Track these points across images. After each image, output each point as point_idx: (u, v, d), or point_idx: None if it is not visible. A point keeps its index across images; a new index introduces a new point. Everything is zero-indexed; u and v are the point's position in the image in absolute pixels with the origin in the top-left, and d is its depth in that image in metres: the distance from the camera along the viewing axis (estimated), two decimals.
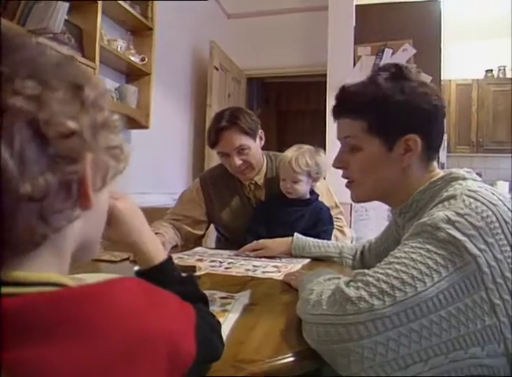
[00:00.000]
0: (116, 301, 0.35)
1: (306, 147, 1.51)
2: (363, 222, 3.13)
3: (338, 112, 0.85)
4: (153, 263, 0.59)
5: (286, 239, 1.37)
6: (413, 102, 0.77)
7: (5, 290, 0.33)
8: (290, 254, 1.35)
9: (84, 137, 0.34)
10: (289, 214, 1.49)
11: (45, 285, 0.35)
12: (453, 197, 0.66)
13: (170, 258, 0.61)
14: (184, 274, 0.62)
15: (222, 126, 1.50)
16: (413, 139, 0.77)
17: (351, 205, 3.06)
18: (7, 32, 0.34)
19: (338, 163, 0.87)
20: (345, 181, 0.88)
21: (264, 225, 1.52)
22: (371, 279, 0.60)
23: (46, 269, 0.36)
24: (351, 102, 0.82)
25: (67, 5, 1.60)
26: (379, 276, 0.60)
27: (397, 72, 0.80)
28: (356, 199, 0.89)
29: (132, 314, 0.36)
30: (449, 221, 0.61)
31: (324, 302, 0.62)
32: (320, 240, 1.35)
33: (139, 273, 0.60)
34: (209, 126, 1.60)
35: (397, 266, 0.60)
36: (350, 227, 2.89)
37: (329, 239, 1.47)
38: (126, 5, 2.18)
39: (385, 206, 3.31)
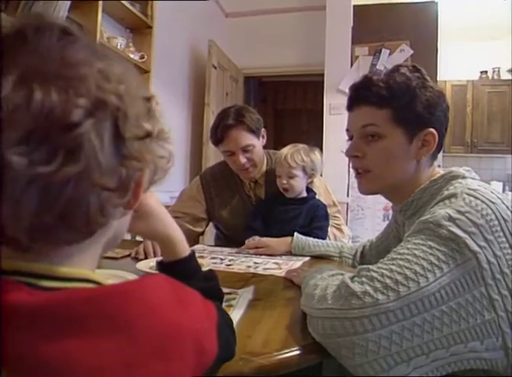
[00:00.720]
0: (147, 298, 0.36)
1: (301, 145, 1.54)
2: (359, 221, 3.16)
3: (359, 100, 0.85)
4: (180, 256, 0.60)
5: (286, 238, 1.38)
6: (435, 98, 0.80)
7: (46, 283, 0.35)
8: (290, 253, 1.37)
9: (148, 142, 0.38)
10: (286, 211, 1.51)
11: (81, 281, 0.37)
12: (454, 195, 0.68)
13: (193, 253, 0.62)
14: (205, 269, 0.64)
15: (229, 123, 1.50)
16: (432, 133, 0.80)
17: (347, 204, 3.09)
18: (93, 40, 0.37)
19: (354, 152, 0.86)
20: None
21: (262, 222, 1.53)
22: (375, 274, 0.62)
23: (82, 265, 0.38)
24: (377, 90, 0.81)
25: (68, 3, 1.60)
26: (383, 271, 0.62)
27: (416, 70, 0.83)
28: (366, 190, 0.89)
29: (162, 311, 0.37)
30: (450, 219, 0.63)
31: (329, 297, 0.64)
32: (319, 240, 1.37)
33: (162, 265, 0.61)
34: (213, 123, 1.60)
35: (401, 262, 0.62)
36: (346, 225, 2.92)
37: (324, 235, 1.49)
38: (126, 3, 2.18)
39: (381, 206, 3.31)
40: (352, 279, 0.64)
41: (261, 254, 1.37)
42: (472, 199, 0.66)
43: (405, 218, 0.86)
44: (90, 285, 0.38)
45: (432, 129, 0.80)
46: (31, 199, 0.31)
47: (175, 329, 0.36)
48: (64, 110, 0.31)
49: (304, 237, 1.37)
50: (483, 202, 0.65)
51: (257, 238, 1.43)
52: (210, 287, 0.57)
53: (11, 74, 0.30)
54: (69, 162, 0.31)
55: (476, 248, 0.61)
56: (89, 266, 0.40)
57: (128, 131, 0.35)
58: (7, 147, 0.29)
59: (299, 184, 1.50)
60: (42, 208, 0.31)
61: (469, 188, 0.69)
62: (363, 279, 0.62)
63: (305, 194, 1.54)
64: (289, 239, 1.38)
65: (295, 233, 1.38)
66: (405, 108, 0.79)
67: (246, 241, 1.43)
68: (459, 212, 0.64)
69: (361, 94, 0.84)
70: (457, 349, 0.61)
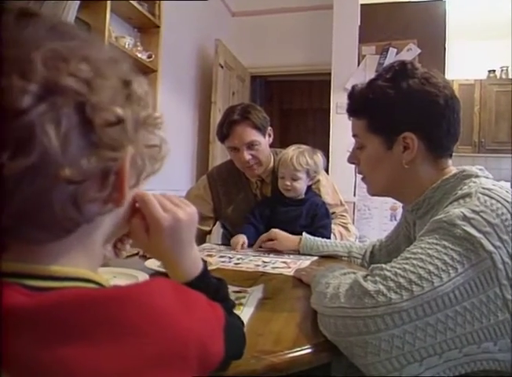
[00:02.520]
0: (153, 303, 0.35)
1: (304, 146, 1.55)
2: (365, 221, 3.15)
3: (348, 111, 0.90)
4: (182, 281, 0.51)
5: (295, 237, 1.38)
6: (408, 101, 0.78)
7: (41, 283, 0.33)
8: (298, 252, 1.37)
9: (127, 128, 0.34)
10: (286, 212, 1.51)
11: (78, 280, 0.36)
12: (468, 195, 0.68)
13: (204, 268, 0.53)
14: (216, 277, 0.56)
15: (234, 119, 1.52)
16: (409, 137, 0.79)
17: (354, 203, 3.08)
18: (64, 20, 0.35)
19: (351, 159, 0.92)
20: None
21: (260, 219, 1.54)
22: (388, 273, 0.61)
23: (76, 265, 0.36)
24: (355, 102, 0.87)
25: (77, 3, 1.61)
26: (397, 270, 0.61)
27: (400, 70, 0.81)
28: (369, 193, 0.93)
29: (167, 316, 0.35)
30: (465, 218, 0.63)
31: (342, 296, 0.63)
32: (328, 240, 1.37)
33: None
34: (220, 119, 1.61)
35: (414, 261, 0.61)
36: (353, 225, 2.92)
37: (328, 233, 1.49)
38: (134, 3, 2.19)
39: (388, 206, 3.30)
40: (365, 278, 0.64)
41: (269, 252, 1.37)
42: (487, 198, 0.65)
43: (416, 218, 0.86)
44: (90, 285, 0.36)
45: (407, 133, 0.78)
46: None
47: (179, 334, 0.35)
48: (8, 96, 0.27)
49: (312, 237, 1.37)
50: (498, 201, 0.64)
51: (241, 240, 1.43)
52: (219, 299, 0.50)
53: None
54: (19, 153, 0.28)
55: (491, 248, 0.60)
56: (87, 265, 0.37)
57: (97, 117, 0.31)
58: None
59: (302, 187, 1.50)
60: None
61: (483, 188, 0.68)
62: (377, 278, 0.62)
63: (303, 195, 1.54)
64: (297, 238, 1.38)
65: (303, 233, 1.38)
66: (375, 118, 0.83)
67: (232, 240, 1.45)
68: (474, 211, 0.63)
69: (347, 105, 0.89)
70: (470, 349, 0.60)
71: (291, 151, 1.50)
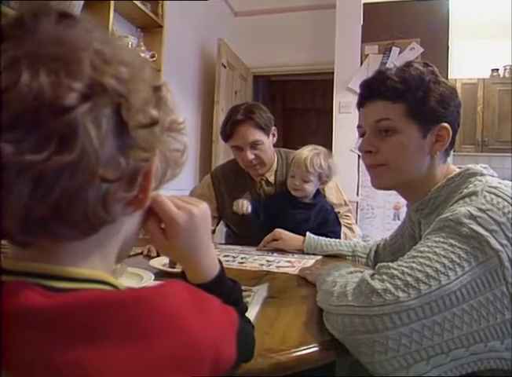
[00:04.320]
0: (167, 306, 0.35)
1: (321, 148, 1.52)
2: (368, 220, 3.15)
3: (372, 95, 0.84)
4: (201, 281, 0.51)
5: (299, 236, 1.38)
6: (448, 93, 0.79)
7: (59, 284, 0.33)
8: (302, 251, 1.37)
9: (157, 130, 0.35)
10: (293, 215, 1.50)
11: (95, 282, 0.36)
12: (474, 193, 0.68)
13: (221, 268, 0.53)
14: (231, 278, 0.56)
15: (238, 119, 1.52)
16: (446, 128, 0.79)
17: (357, 203, 3.08)
18: (99, 25, 0.35)
19: (368, 147, 0.84)
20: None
21: (269, 221, 1.52)
22: (395, 272, 0.61)
23: (93, 267, 0.37)
24: (393, 84, 0.80)
25: (81, 2, 1.61)
26: (404, 269, 0.61)
27: (428, 66, 0.83)
28: (380, 185, 0.87)
29: (182, 320, 0.35)
30: (471, 217, 0.63)
31: (349, 294, 0.63)
32: (332, 239, 1.36)
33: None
34: (224, 119, 1.61)
35: (421, 260, 0.61)
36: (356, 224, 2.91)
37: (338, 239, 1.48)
38: (137, 3, 2.19)
39: (391, 205, 3.29)
40: (372, 276, 0.63)
41: (273, 251, 1.37)
42: (493, 196, 0.65)
43: (421, 217, 0.86)
44: (106, 287, 0.36)
45: (446, 124, 0.79)
46: (22, 189, 0.29)
47: (193, 338, 0.35)
48: (55, 93, 0.28)
49: (316, 237, 1.37)
50: (504, 200, 0.64)
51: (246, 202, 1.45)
52: (232, 302, 0.50)
53: (3, 57, 0.29)
54: (62, 150, 0.29)
55: (498, 246, 0.60)
56: (104, 268, 0.38)
57: (132, 118, 0.32)
58: None
59: (311, 189, 1.48)
60: (33, 199, 0.30)
61: (489, 186, 0.68)
62: (384, 276, 0.62)
63: (311, 198, 1.52)
64: (301, 237, 1.38)
65: (307, 233, 1.38)
66: (419, 103, 0.79)
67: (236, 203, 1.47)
68: (480, 210, 0.63)
69: (375, 89, 0.83)
70: (477, 348, 0.60)
71: (307, 151, 1.47)
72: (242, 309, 0.55)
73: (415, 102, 0.79)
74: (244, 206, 1.43)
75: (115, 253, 0.40)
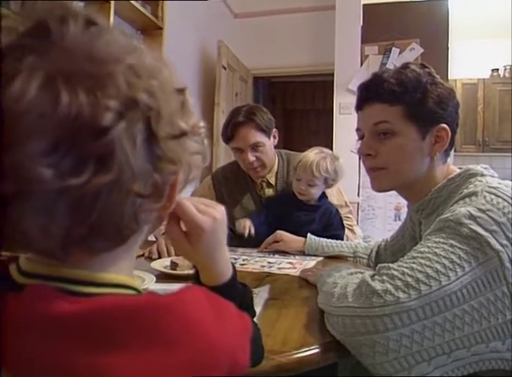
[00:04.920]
0: (188, 313, 0.34)
1: (327, 151, 1.50)
2: (369, 221, 3.15)
3: (370, 98, 0.84)
4: (216, 283, 0.51)
5: (300, 238, 1.38)
6: (446, 94, 0.80)
7: (83, 289, 0.34)
8: (303, 253, 1.36)
9: (184, 142, 0.35)
10: (297, 217, 1.49)
11: (118, 287, 0.36)
12: (474, 194, 0.68)
13: (234, 271, 0.54)
14: (241, 282, 0.56)
15: (239, 121, 1.52)
16: (445, 129, 0.79)
17: (358, 204, 3.08)
18: (120, 28, 0.35)
19: (367, 150, 0.85)
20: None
21: (271, 222, 1.51)
22: (395, 272, 0.61)
23: (120, 271, 0.37)
24: (390, 86, 0.81)
25: (81, 4, 1.62)
26: (404, 269, 0.61)
27: (425, 67, 0.83)
28: (380, 188, 0.88)
29: (201, 326, 0.35)
30: (471, 217, 0.63)
31: (350, 295, 0.64)
32: (333, 240, 1.36)
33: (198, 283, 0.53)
34: (225, 120, 1.61)
35: (421, 260, 0.61)
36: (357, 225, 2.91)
37: None
38: (137, 5, 2.20)
39: (392, 206, 3.27)
40: (372, 277, 0.64)
41: (274, 252, 1.37)
42: (493, 197, 0.65)
43: (422, 217, 0.86)
44: (129, 291, 0.37)
45: (444, 125, 0.79)
46: (62, 212, 0.29)
47: (213, 345, 0.35)
48: (93, 114, 0.28)
49: (317, 238, 1.36)
50: (504, 200, 0.64)
51: (248, 222, 1.42)
52: (243, 305, 0.50)
53: (36, 75, 0.27)
54: (101, 171, 0.28)
55: (498, 247, 0.60)
56: (128, 271, 0.38)
57: (161, 130, 0.32)
58: (34, 158, 0.27)
59: (317, 193, 1.47)
60: (74, 221, 0.30)
61: (490, 186, 0.68)
62: (384, 277, 0.62)
63: (316, 200, 1.51)
64: (302, 239, 1.37)
65: (308, 234, 1.37)
66: (417, 104, 0.79)
67: (238, 223, 1.43)
68: (480, 210, 0.63)
69: (372, 91, 0.83)
70: (478, 348, 0.60)
71: (313, 154, 1.45)
72: (253, 313, 0.55)
73: (412, 104, 0.79)
74: (246, 227, 1.41)
75: (136, 253, 0.41)
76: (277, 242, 1.39)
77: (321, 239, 1.36)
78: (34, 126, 0.27)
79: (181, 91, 0.36)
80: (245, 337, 0.42)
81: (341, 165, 1.49)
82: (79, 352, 0.30)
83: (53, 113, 0.27)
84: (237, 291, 0.53)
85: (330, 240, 1.35)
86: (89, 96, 0.28)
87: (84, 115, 0.27)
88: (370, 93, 0.84)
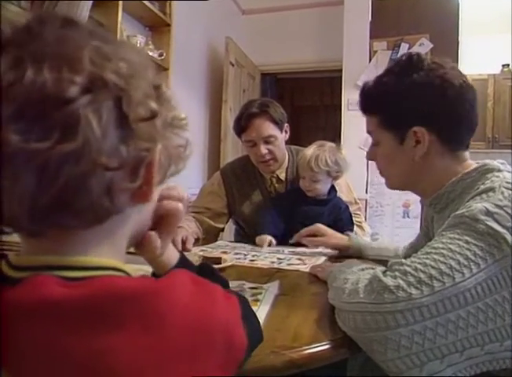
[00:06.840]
0: (178, 295, 0.36)
1: (328, 144, 1.48)
2: (378, 218, 3.13)
3: (360, 109, 0.90)
4: (168, 268, 0.54)
5: (340, 234, 1.32)
6: (414, 94, 0.78)
7: (74, 274, 0.35)
8: (339, 251, 1.29)
9: (158, 124, 0.36)
10: (307, 211, 1.48)
11: (104, 269, 0.37)
12: (491, 189, 0.67)
13: (182, 256, 0.57)
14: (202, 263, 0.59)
15: (253, 112, 1.52)
16: (420, 131, 0.78)
17: (366, 200, 3.06)
18: (101, 28, 0.37)
19: (369, 156, 0.93)
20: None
21: (281, 218, 1.50)
22: (408, 268, 0.60)
23: (108, 256, 0.38)
24: (366, 99, 0.88)
25: (90, 2, 1.62)
26: (417, 265, 0.60)
27: (406, 63, 0.81)
28: (390, 187, 0.93)
29: (190, 307, 0.36)
30: (488, 213, 0.61)
31: (361, 291, 0.63)
32: (373, 242, 1.32)
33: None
34: (238, 113, 1.61)
35: (435, 256, 0.60)
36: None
37: None
38: (146, 2, 2.20)
39: (400, 202, 3.26)
40: (384, 273, 0.63)
41: (283, 248, 1.36)
42: (511, 192, 0.64)
43: (435, 212, 0.85)
44: (117, 273, 0.38)
45: (417, 128, 0.78)
46: (28, 177, 0.31)
47: (202, 324, 0.36)
48: (57, 86, 0.30)
49: (359, 239, 1.30)
50: None
51: (268, 238, 1.40)
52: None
53: (9, 56, 0.31)
54: (65, 138, 0.30)
55: None
56: (113, 256, 0.39)
57: (132, 112, 0.34)
58: (3, 124, 0.30)
59: (323, 187, 1.47)
60: (39, 188, 0.31)
61: (507, 182, 0.67)
62: (396, 273, 0.61)
63: (326, 195, 1.50)
64: (343, 236, 1.31)
65: (350, 233, 1.33)
66: (386, 113, 0.83)
67: (257, 239, 1.42)
68: (498, 206, 0.62)
69: (362, 104, 0.90)
70: (492, 347, 0.59)
71: (311, 150, 1.44)
72: (224, 283, 0.56)
73: (384, 113, 0.83)
74: (266, 242, 1.39)
75: (124, 242, 0.42)
76: (314, 236, 1.31)
77: (365, 239, 1.33)
78: (3, 94, 0.30)
79: (157, 86, 0.38)
80: (235, 314, 0.43)
81: (343, 155, 1.47)
82: (77, 335, 0.31)
83: (19, 86, 0.30)
84: (189, 268, 0.54)
85: (370, 241, 1.33)
86: (54, 72, 0.31)
87: (48, 86, 0.30)
88: (360, 104, 0.90)
